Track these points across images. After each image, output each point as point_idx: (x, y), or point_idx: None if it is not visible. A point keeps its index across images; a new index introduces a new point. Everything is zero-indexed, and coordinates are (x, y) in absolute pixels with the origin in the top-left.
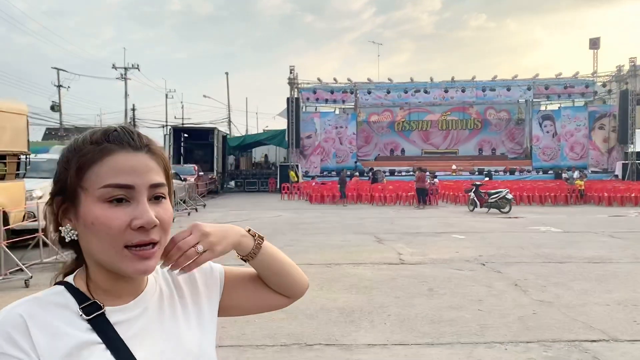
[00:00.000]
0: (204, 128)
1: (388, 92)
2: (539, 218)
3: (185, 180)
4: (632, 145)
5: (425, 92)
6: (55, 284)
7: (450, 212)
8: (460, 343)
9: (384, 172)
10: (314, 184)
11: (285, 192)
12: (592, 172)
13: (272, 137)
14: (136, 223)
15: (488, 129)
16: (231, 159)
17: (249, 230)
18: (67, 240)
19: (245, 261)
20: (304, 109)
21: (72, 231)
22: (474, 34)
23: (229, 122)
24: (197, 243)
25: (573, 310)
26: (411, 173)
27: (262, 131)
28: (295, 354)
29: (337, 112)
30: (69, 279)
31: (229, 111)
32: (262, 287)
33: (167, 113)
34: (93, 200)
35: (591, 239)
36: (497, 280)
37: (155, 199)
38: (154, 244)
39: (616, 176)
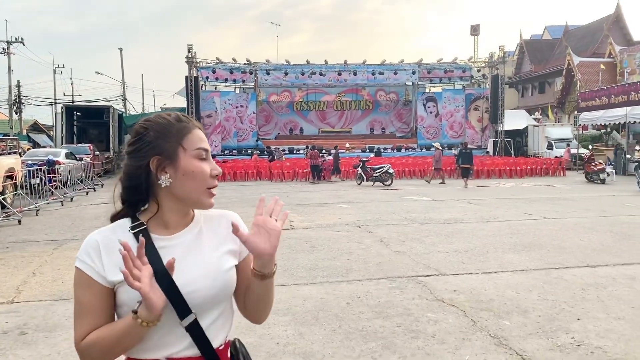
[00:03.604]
0: (99, 106)
1: (286, 74)
2: (414, 189)
3: (81, 160)
4: (501, 125)
5: (321, 74)
6: (125, 218)
7: (341, 186)
8: (329, 282)
9: (283, 150)
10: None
11: None
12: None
13: None
14: (214, 172)
15: (378, 110)
16: (127, 138)
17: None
18: (162, 186)
19: (257, 276)
20: (203, 88)
21: (169, 179)
22: (370, 16)
23: (124, 99)
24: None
25: (419, 257)
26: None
27: (159, 109)
28: None
29: (237, 91)
30: (141, 217)
31: (123, 89)
32: (239, 298)
33: (55, 90)
34: (191, 157)
35: (452, 205)
36: (367, 238)
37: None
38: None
39: (488, 152)
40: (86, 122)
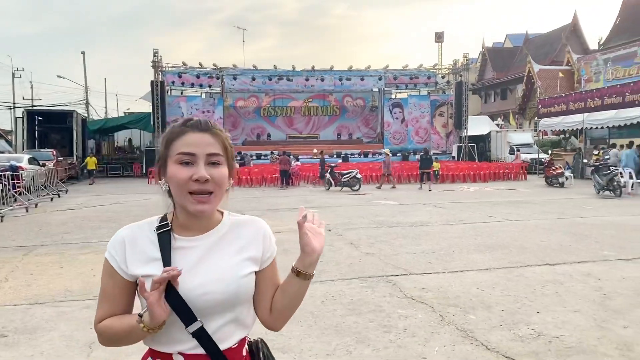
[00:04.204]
0: (62, 111)
1: (253, 79)
2: (382, 194)
3: (44, 165)
4: (465, 130)
5: (288, 79)
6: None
7: (309, 191)
8: None
9: (251, 155)
10: None
11: (152, 177)
12: (434, 153)
13: (136, 121)
14: (194, 177)
15: (346, 116)
16: (91, 143)
17: None
18: (163, 190)
19: (301, 275)
20: (169, 93)
21: (166, 184)
22: (336, 21)
23: (87, 104)
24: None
25: (389, 258)
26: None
27: (123, 114)
28: None
29: (203, 96)
30: (169, 215)
31: (86, 93)
32: (267, 298)
33: (14, 94)
34: (172, 163)
35: (419, 208)
36: (338, 241)
37: (212, 164)
38: (209, 193)
39: (453, 157)
40: (48, 127)
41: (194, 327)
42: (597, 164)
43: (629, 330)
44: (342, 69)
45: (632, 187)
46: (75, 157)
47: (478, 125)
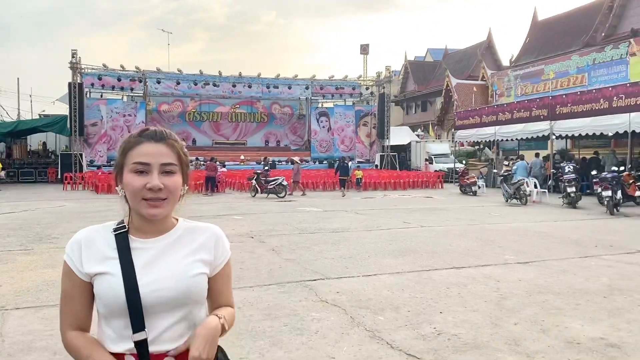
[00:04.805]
0: None
1: (178, 83)
2: (307, 201)
3: None
4: (387, 140)
5: (215, 85)
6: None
7: (235, 198)
8: None
9: None
10: (100, 173)
11: (68, 182)
12: (358, 162)
13: (52, 124)
14: (148, 185)
15: (273, 123)
16: (1, 147)
17: (221, 317)
18: (120, 195)
19: None
20: (88, 95)
21: (122, 190)
22: (265, 28)
23: None
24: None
25: (308, 264)
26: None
27: (38, 116)
28: None
29: (125, 99)
30: (125, 220)
31: None
32: (215, 305)
33: None
34: (128, 171)
35: (341, 215)
36: (259, 247)
37: (166, 172)
38: (162, 199)
39: (376, 166)
40: None
41: (139, 336)
42: (506, 173)
43: (519, 326)
44: (269, 77)
45: (536, 195)
46: None
47: (399, 135)
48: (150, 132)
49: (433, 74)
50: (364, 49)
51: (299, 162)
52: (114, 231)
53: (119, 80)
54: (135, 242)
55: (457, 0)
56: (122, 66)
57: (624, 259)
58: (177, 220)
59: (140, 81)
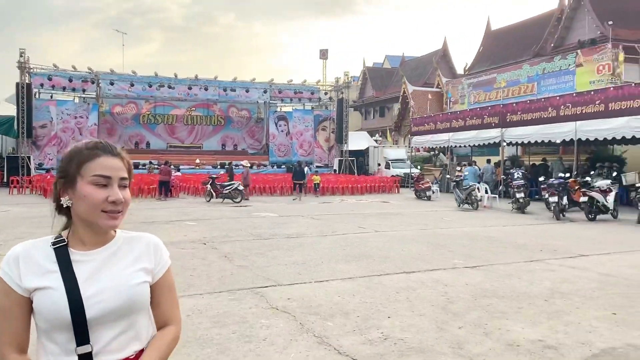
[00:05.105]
0: None
1: (132, 85)
2: (264, 206)
3: None
4: (346, 145)
5: (170, 87)
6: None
7: (189, 202)
8: None
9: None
10: (49, 177)
11: (15, 186)
12: (317, 166)
13: None
14: (111, 199)
15: (230, 126)
16: None
17: None
18: (64, 206)
19: None
20: (37, 96)
21: (69, 201)
22: (223, 31)
23: None
24: None
25: (260, 270)
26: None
27: None
28: None
29: (76, 101)
30: (64, 233)
31: None
32: (159, 312)
33: None
34: (86, 183)
35: (297, 220)
36: (212, 254)
37: (122, 186)
38: (119, 212)
39: (335, 170)
40: None
41: (84, 349)
42: (458, 179)
43: (463, 330)
44: (226, 80)
45: (487, 200)
46: None
47: (358, 140)
48: (105, 145)
49: (391, 81)
50: (323, 54)
51: (249, 166)
52: (53, 245)
53: (70, 81)
54: (75, 255)
55: (414, 9)
56: (73, 67)
57: (566, 262)
58: (115, 231)
59: (93, 82)
